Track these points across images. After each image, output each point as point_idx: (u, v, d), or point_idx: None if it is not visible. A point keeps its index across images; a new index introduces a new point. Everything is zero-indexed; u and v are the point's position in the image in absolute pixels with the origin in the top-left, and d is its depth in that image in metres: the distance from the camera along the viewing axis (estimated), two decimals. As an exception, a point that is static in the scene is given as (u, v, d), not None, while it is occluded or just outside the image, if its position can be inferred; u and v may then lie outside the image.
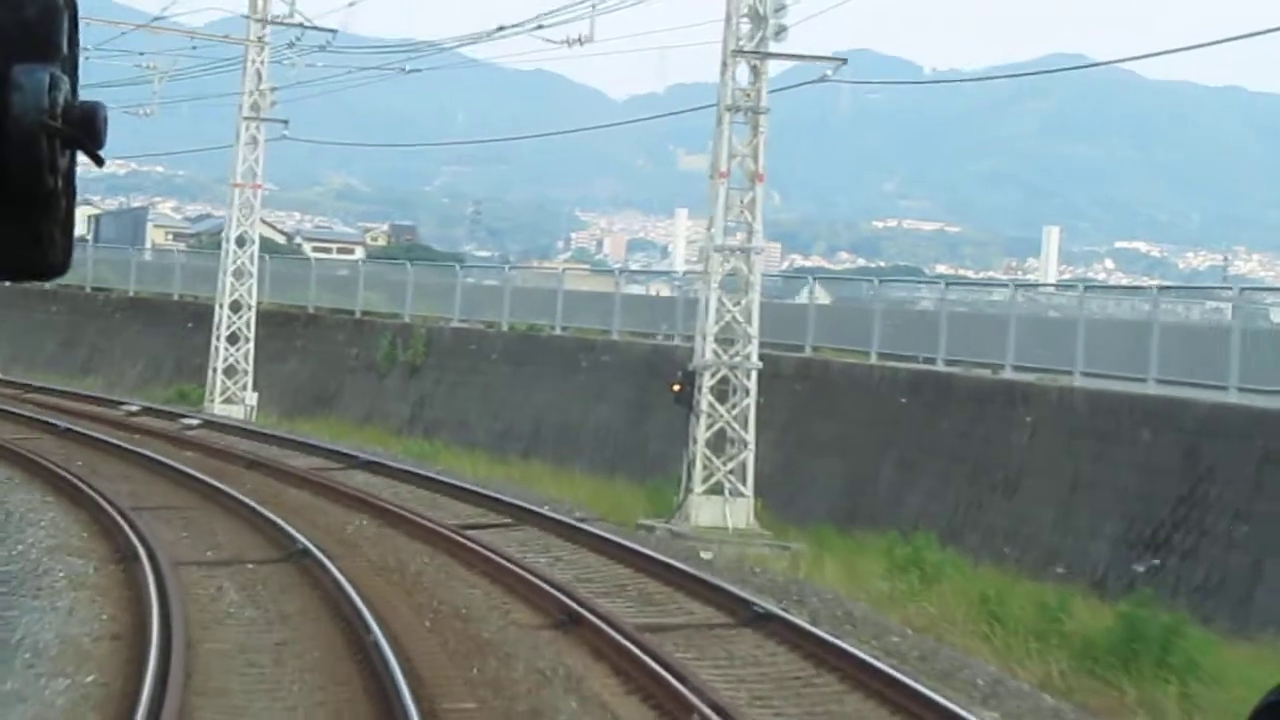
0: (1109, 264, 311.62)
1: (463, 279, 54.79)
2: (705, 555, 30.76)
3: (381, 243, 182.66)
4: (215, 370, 53.01)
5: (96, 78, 63.29)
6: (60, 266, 2.32)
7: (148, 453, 39.53)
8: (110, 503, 31.77)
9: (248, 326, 53.19)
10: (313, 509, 33.44)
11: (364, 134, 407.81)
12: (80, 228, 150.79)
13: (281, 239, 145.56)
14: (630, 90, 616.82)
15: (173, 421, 48.03)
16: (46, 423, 44.65)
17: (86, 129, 2.23)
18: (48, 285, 64.58)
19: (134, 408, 50.02)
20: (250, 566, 27.18)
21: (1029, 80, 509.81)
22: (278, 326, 56.43)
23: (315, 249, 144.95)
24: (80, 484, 34.30)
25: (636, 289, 57.63)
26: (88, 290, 65.64)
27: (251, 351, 53.15)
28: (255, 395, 52.69)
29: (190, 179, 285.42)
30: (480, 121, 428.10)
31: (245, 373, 53.10)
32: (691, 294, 47.37)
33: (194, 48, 54.06)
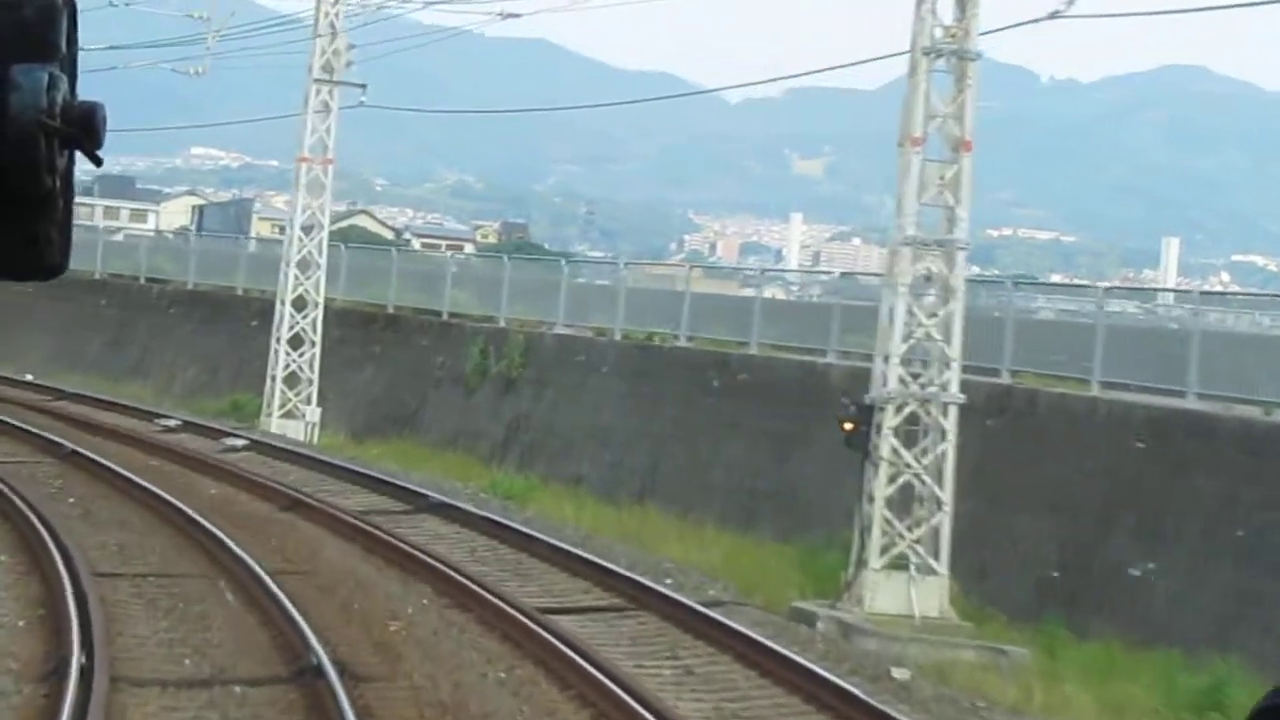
0: (1225, 277, 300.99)
1: (569, 277, 45.26)
2: (899, 675, 21.15)
3: (492, 240, 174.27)
4: (274, 379, 43.90)
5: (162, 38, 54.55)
6: (58, 267, 2.22)
7: (160, 490, 30.35)
8: (74, 571, 22.60)
9: (313, 327, 44.04)
10: (353, 582, 24.17)
11: (473, 128, 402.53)
12: (183, 218, 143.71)
13: (390, 234, 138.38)
14: (746, 92, 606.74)
15: (215, 441, 39.00)
16: (54, 442, 35.62)
17: (85, 128, 2.14)
18: (97, 275, 55.70)
19: (172, 423, 41.00)
20: (237, 691, 17.94)
21: (1147, 91, 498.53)
22: (351, 328, 47.29)
23: (424, 245, 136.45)
24: (52, 535, 25.18)
25: (749, 292, 48.26)
26: (142, 281, 56.74)
27: (317, 357, 44.00)
28: (318, 410, 43.51)
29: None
30: (592, 121, 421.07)
31: (309, 383, 43.94)
32: (853, 300, 37.87)
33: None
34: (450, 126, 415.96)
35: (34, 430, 36.99)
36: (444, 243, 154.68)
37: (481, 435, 42.62)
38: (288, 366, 43.82)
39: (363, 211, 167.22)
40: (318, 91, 43.16)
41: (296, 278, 43.74)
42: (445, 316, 46.03)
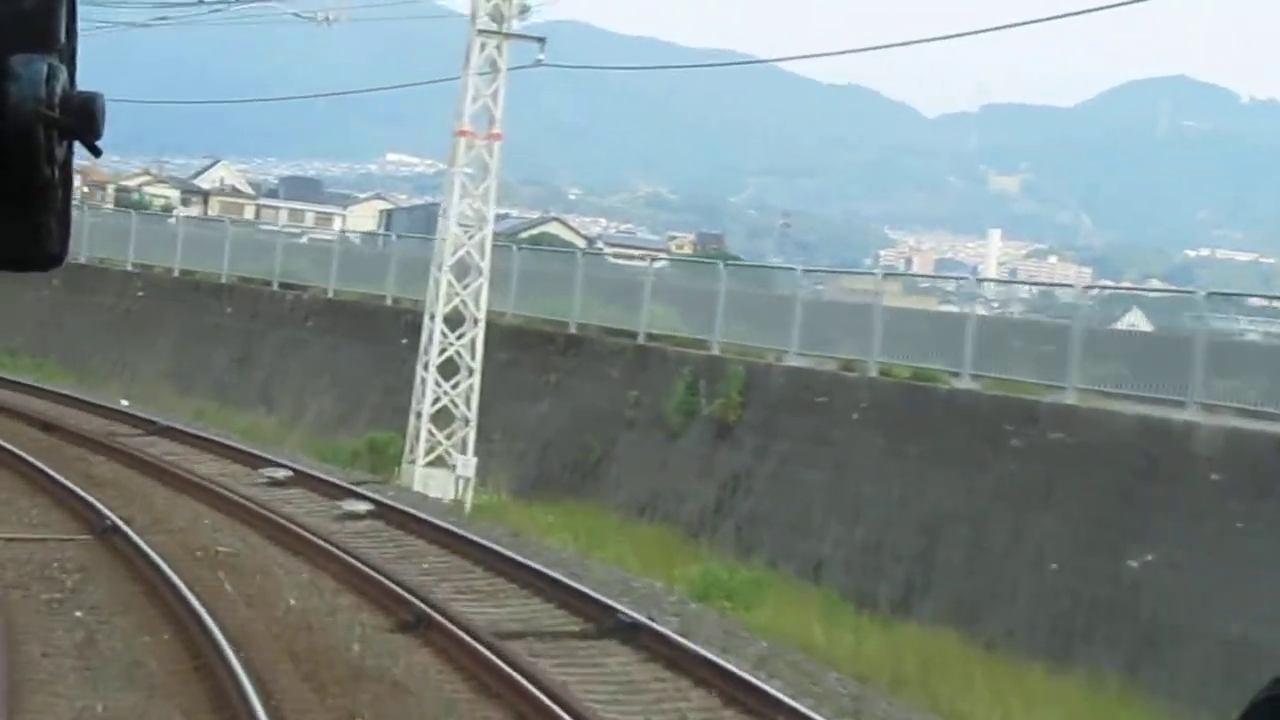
0: None
1: (804, 292, 33.78)
2: None
3: (687, 251, 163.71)
4: (419, 415, 33.11)
5: None
6: (57, 257, 2.20)
7: (214, 601, 19.58)
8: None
9: (471, 350, 33.26)
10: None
11: (668, 139, 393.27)
12: (371, 223, 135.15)
13: (583, 243, 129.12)
14: (943, 108, 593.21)
15: (331, 503, 28.28)
16: (96, 511, 24.96)
17: (84, 119, 2.11)
18: (224, 279, 45.45)
19: (282, 473, 30.30)
20: None
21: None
22: (523, 350, 36.45)
23: (616, 256, 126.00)
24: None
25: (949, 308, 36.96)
26: (274, 287, 46.17)
27: (476, 389, 33.17)
28: (473, 461, 32.66)
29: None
30: (787, 133, 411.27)
31: (464, 422, 33.13)
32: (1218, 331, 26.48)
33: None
34: (644, 137, 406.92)
35: (79, 489, 26.37)
36: (637, 253, 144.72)
37: (686, 497, 31.56)
38: (437, 400, 33.04)
39: (554, 219, 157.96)
40: (482, 46, 32.36)
41: (451, 286, 32.89)
42: (642, 339, 34.98)
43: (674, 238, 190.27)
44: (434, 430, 33.05)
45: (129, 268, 52.22)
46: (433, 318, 33.18)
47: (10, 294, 51.47)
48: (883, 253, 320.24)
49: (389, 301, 41.92)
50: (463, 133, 32.76)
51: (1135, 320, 34.76)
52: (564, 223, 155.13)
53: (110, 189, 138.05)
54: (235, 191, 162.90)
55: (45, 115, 2.07)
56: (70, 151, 2.17)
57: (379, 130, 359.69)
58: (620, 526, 29.85)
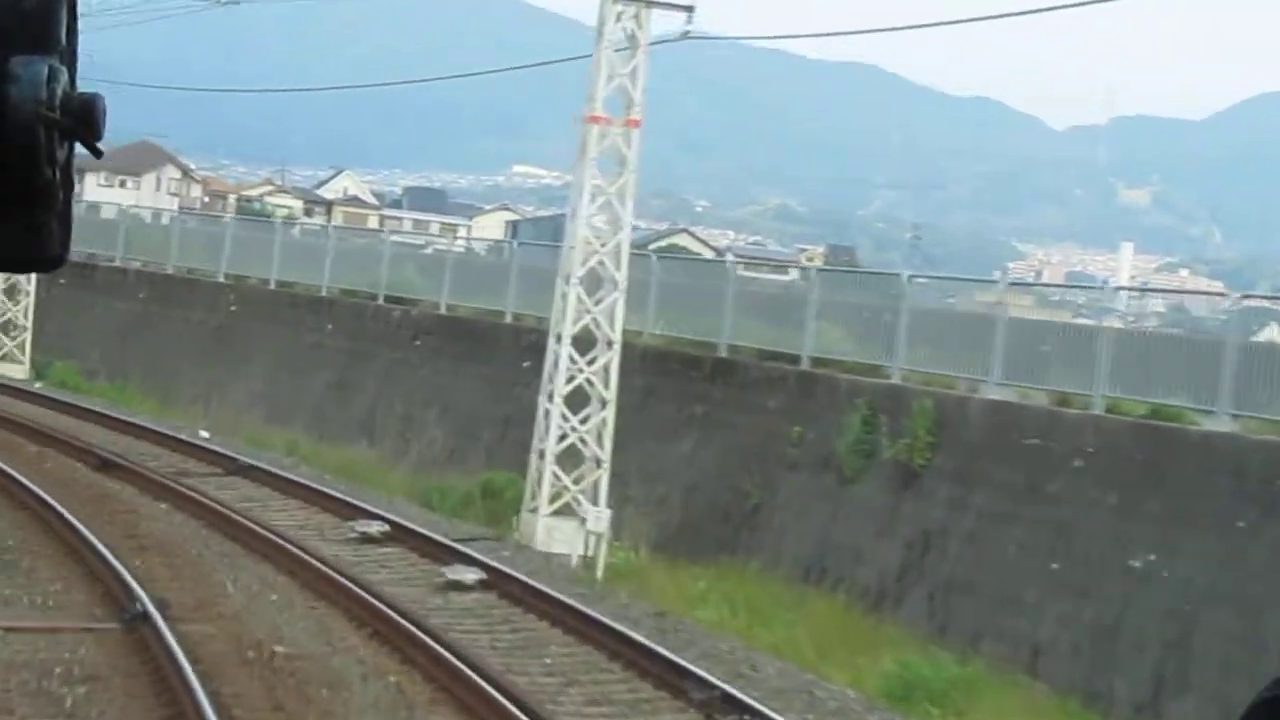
0: None
1: (1007, 311, 27.57)
2: None
3: (817, 264, 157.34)
4: (541, 455, 27.40)
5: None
6: (58, 258, 2.14)
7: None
8: None
9: (604, 377, 27.53)
10: None
11: (795, 151, 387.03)
12: (498, 231, 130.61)
13: (711, 254, 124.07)
14: (1071, 119, 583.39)
15: (433, 568, 22.66)
16: (128, 590, 19.36)
17: (85, 120, 2.08)
18: (325, 292, 40.09)
19: (376, 527, 24.70)
20: None
21: None
22: (665, 376, 30.64)
23: (745, 269, 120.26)
24: None
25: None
26: (379, 301, 40.56)
27: (609, 423, 27.43)
28: (606, 514, 26.89)
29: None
30: (915, 145, 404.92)
31: (596, 464, 27.39)
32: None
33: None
34: (772, 149, 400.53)
35: (117, 555, 20.83)
36: (766, 266, 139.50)
37: (862, 559, 25.71)
38: (564, 437, 27.32)
39: (683, 230, 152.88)
40: (618, 16, 26.64)
41: (580, 301, 27.17)
42: (806, 364, 29.05)
43: (803, 250, 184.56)
44: (559, 473, 27.32)
45: (221, 279, 46.36)
46: (559, 339, 27.43)
47: (88, 305, 46.32)
48: (1010, 265, 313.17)
49: (508, 319, 36.11)
50: (594, 119, 27.01)
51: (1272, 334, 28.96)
52: (693, 234, 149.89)
53: (232, 199, 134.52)
54: (358, 201, 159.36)
55: (46, 116, 2.02)
56: (71, 152, 2.09)
57: (505, 143, 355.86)
58: (784, 595, 24.05)
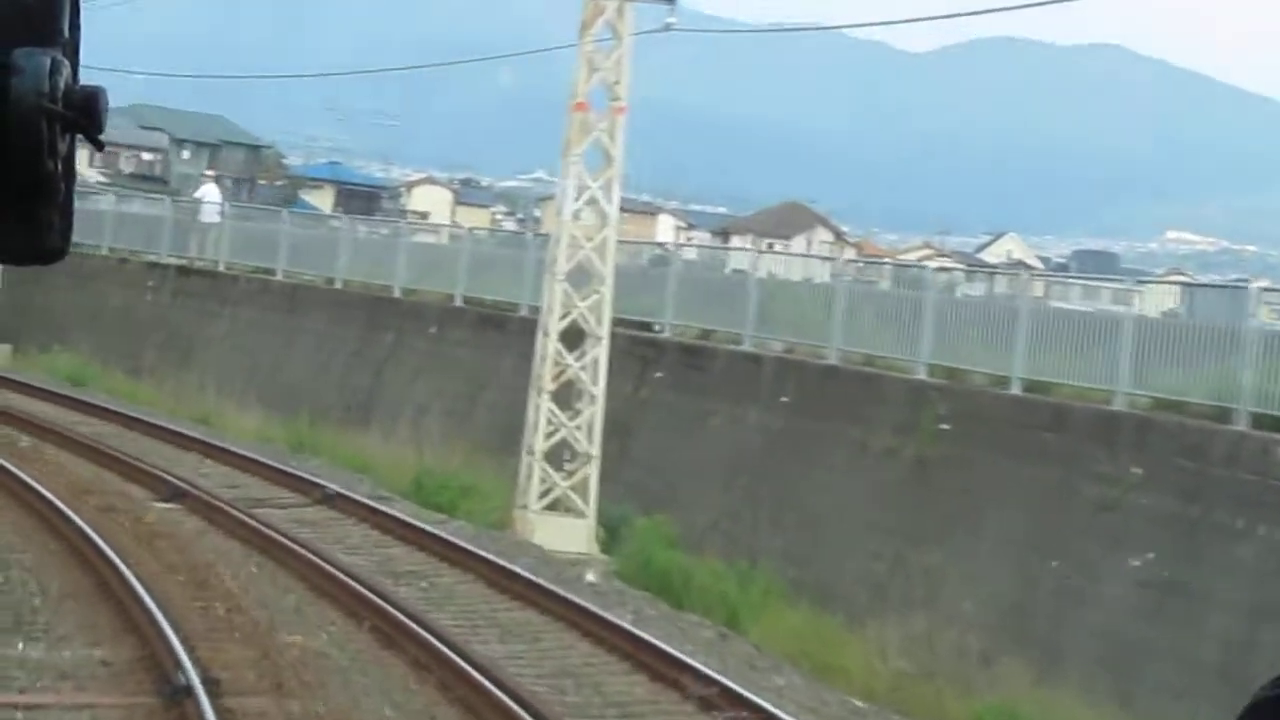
0: None
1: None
2: None
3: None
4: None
5: None
6: (59, 250, 2.12)
7: None
8: None
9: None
10: None
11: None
12: (1170, 300, 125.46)
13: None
14: None
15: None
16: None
17: (87, 113, 2.05)
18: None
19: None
20: None
21: None
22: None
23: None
24: None
25: None
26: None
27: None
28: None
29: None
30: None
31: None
32: None
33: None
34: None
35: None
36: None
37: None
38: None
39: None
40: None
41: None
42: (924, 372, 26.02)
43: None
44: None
45: (923, 375, 26.72)
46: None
47: (696, 417, 28.90)
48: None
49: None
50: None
51: None
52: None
53: (888, 264, 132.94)
54: (1022, 265, 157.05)
55: (48, 109, 1.99)
56: (73, 145, 2.07)
57: (1157, 208, 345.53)
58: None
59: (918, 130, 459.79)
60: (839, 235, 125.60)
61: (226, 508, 23.27)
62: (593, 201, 26.18)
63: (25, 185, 2.00)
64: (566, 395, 26.36)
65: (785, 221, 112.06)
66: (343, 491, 25.22)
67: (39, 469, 24.88)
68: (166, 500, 24.25)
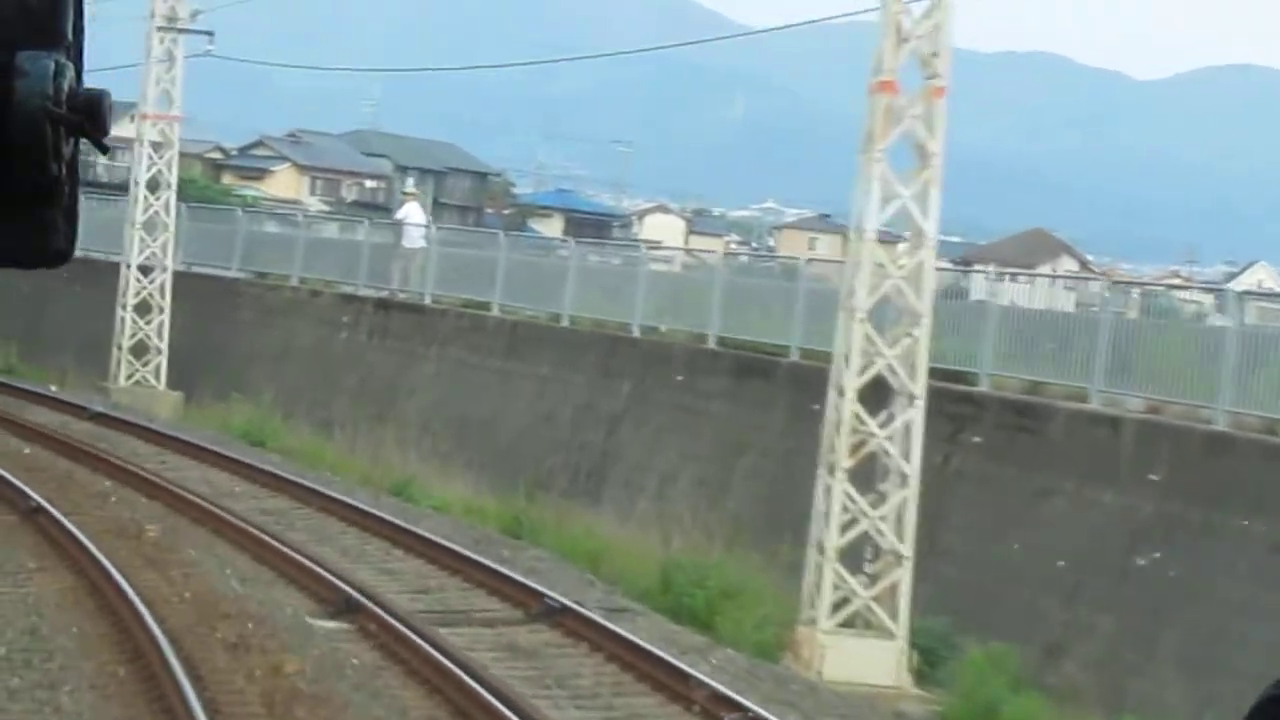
0: None
1: None
2: None
3: None
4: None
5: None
6: (65, 253, 2.05)
7: None
8: None
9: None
10: None
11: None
12: None
13: None
14: None
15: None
16: None
17: (91, 116, 1.98)
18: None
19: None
20: None
21: None
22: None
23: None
24: None
25: None
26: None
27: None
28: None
29: None
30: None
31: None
32: None
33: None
34: None
35: None
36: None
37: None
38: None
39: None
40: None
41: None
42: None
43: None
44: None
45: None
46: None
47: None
48: None
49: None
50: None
51: None
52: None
53: (1137, 292, 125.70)
54: (1274, 295, 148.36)
55: (52, 112, 1.93)
56: (76, 148, 2.01)
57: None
58: None
59: (1150, 158, 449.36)
60: (1084, 264, 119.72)
61: (409, 634, 16.61)
62: (902, 214, 19.29)
63: (30, 189, 1.93)
64: (866, 473, 19.45)
65: (1029, 249, 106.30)
66: (569, 604, 18.44)
67: (161, 575, 18.34)
68: (332, 616, 17.81)
